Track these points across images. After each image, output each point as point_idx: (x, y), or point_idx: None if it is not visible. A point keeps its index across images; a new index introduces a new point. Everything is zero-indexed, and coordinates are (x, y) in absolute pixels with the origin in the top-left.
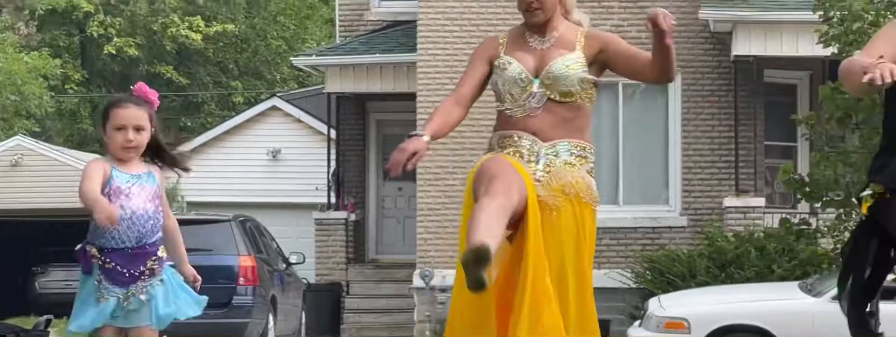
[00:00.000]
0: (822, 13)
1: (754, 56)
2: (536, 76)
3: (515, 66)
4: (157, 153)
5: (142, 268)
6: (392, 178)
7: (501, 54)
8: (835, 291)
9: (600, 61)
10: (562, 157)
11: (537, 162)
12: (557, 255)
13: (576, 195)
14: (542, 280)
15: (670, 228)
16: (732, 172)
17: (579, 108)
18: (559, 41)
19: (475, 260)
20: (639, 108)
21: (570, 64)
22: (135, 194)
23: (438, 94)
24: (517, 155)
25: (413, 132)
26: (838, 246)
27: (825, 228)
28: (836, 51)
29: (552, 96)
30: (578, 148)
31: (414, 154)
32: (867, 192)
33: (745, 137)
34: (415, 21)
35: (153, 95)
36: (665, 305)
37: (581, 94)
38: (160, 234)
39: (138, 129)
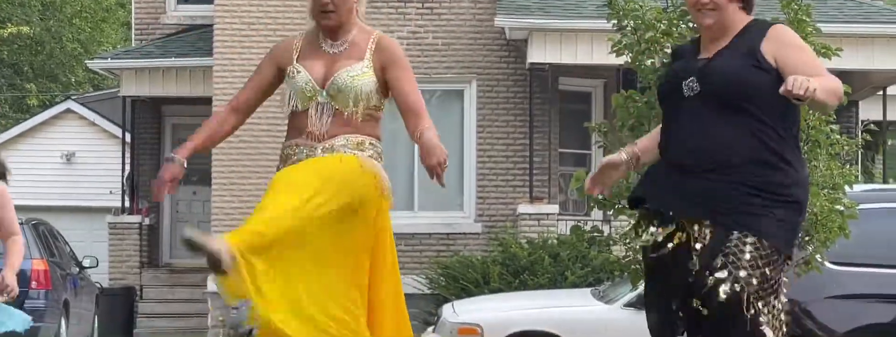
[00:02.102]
0: (615, 22)
1: (549, 64)
2: (324, 86)
3: (303, 75)
4: None
5: None
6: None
7: (294, 60)
8: (627, 298)
9: (381, 75)
10: (337, 150)
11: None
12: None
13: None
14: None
15: (465, 234)
16: (527, 179)
17: (369, 116)
18: (351, 47)
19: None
20: (434, 114)
21: (356, 74)
22: None
23: None
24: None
25: (169, 155)
26: (631, 253)
27: (617, 236)
28: (629, 60)
29: (338, 107)
30: (354, 142)
31: (171, 181)
32: None
33: (539, 145)
34: (211, 25)
35: None
36: (458, 310)
37: (367, 104)
38: None
39: None
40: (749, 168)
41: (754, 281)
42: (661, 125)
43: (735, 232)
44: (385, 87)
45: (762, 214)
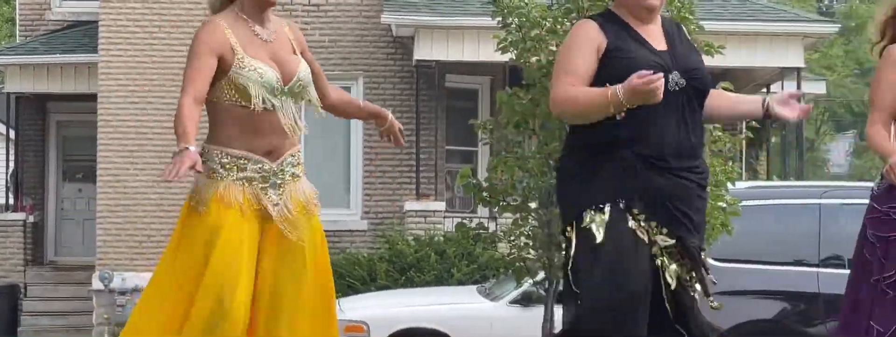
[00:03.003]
0: (500, 19)
1: (436, 61)
2: (286, 83)
3: (270, 73)
4: None
5: None
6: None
7: (235, 49)
8: (512, 296)
9: None
10: (288, 172)
11: (271, 188)
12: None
13: (312, 208)
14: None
15: (351, 231)
16: (413, 176)
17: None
18: (278, 35)
19: None
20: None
21: (304, 67)
22: None
23: (119, 95)
24: (246, 182)
25: (180, 148)
26: (515, 251)
27: (502, 233)
28: (514, 57)
29: (293, 109)
30: (293, 155)
31: (192, 166)
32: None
33: (426, 142)
34: (96, 22)
35: None
36: (345, 308)
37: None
38: None
39: None
40: (703, 167)
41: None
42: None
43: (700, 249)
44: None
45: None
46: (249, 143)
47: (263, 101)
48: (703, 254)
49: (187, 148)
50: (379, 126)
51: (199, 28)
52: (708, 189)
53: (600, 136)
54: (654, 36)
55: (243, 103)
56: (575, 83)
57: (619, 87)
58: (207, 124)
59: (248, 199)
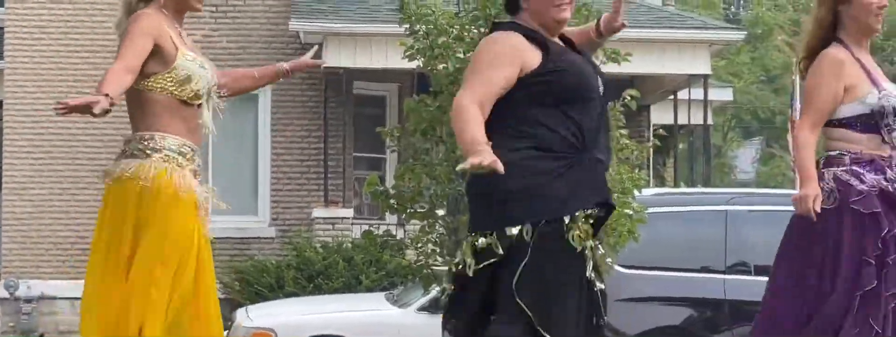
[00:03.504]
0: (408, 26)
1: (344, 68)
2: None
3: (209, 69)
4: None
5: None
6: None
7: (175, 41)
8: (420, 302)
9: None
10: (199, 173)
11: (202, 183)
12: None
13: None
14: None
15: (259, 238)
16: (321, 184)
17: None
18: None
19: None
20: (228, 117)
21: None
22: None
23: (25, 102)
24: (192, 174)
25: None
26: (422, 258)
27: (409, 240)
28: (421, 64)
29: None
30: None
31: (90, 106)
32: None
33: (334, 149)
34: (2, 28)
35: None
36: (252, 315)
37: None
38: None
39: None
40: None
41: None
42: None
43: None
44: None
45: None
46: (187, 137)
47: (198, 96)
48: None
49: (106, 94)
50: (288, 77)
51: (134, 17)
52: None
53: (544, 138)
54: (558, 43)
55: (182, 97)
56: (484, 96)
57: (474, 146)
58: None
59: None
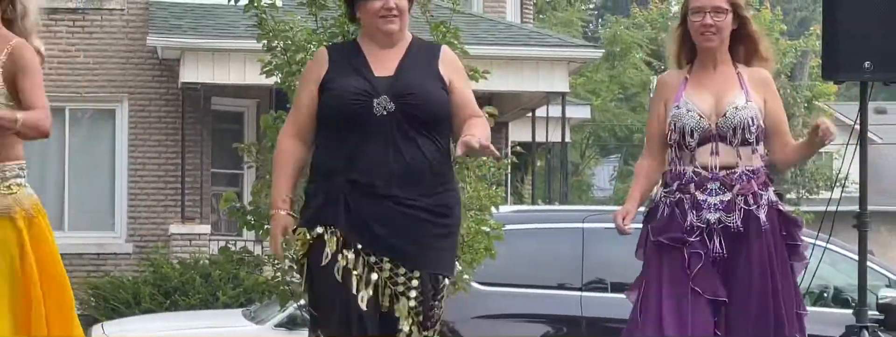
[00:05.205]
0: (265, 43)
1: (202, 83)
2: None
3: None
4: None
5: None
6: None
7: None
8: (277, 319)
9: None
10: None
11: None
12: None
13: None
14: None
15: (116, 254)
16: (179, 199)
17: None
18: None
19: None
20: (85, 133)
21: None
22: None
23: None
24: None
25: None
26: (279, 274)
27: (266, 257)
28: (279, 80)
29: None
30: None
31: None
32: None
33: (191, 164)
34: None
35: None
36: (108, 332)
37: None
38: None
39: None
40: (438, 192)
41: None
42: (326, 143)
43: (417, 271)
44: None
45: (439, 248)
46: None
47: None
48: (438, 284)
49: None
50: None
51: None
52: (453, 215)
53: (318, 162)
54: (387, 61)
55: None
56: (297, 120)
57: (280, 220)
58: None
59: None
